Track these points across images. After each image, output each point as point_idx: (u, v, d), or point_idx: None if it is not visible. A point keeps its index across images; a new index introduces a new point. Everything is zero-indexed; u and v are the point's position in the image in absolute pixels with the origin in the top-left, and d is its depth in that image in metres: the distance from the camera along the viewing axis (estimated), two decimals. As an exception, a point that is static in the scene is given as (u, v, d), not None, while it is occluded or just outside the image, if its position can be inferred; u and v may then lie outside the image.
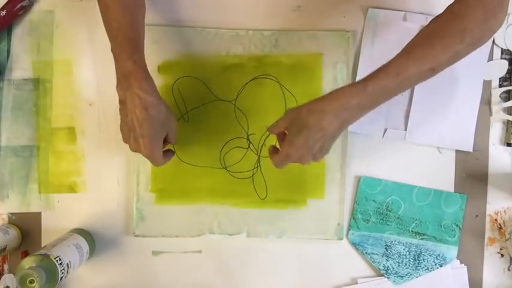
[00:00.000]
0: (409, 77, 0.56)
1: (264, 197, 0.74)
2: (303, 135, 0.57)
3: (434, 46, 0.56)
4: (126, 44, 0.59)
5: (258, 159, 0.74)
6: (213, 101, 0.74)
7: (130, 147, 0.62)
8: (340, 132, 0.59)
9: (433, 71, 0.57)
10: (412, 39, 0.59)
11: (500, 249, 0.76)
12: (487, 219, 0.75)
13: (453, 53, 0.56)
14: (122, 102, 0.60)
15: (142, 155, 0.61)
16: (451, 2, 0.58)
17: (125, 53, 0.59)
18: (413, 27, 0.74)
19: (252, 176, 0.74)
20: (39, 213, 0.75)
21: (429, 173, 0.75)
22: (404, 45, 0.60)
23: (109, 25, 0.60)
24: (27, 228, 0.75)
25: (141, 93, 0.58)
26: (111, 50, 0.60)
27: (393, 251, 0.74)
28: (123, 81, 0.59)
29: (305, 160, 0.59)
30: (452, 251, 0.74)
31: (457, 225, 0.74)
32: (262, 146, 0.75)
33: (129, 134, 0.60)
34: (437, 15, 0.59)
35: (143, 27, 0.63)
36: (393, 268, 0.74)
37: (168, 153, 0.66)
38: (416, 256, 0.75)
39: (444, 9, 0.58)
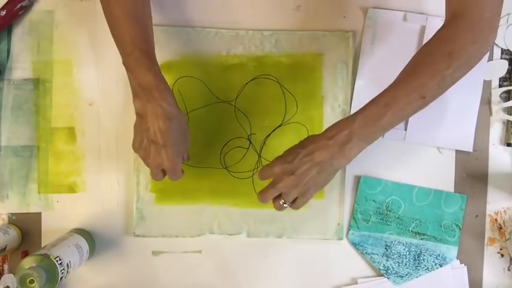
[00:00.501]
0: (400, 106, 0.55)
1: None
2: (295, 153, 0.58)
3: (421, 73, 0.55)
4: (143, 58, 0.59)
5: (259, 160, 0.74)
6: (214, 103, 0.74)
7: (149, 162, 0.61)
8: (332, 168, 0.58)
9: (423, 99, 0.55)
10: (404, 68, 0.58)
11: (500, 249, 0.76)
12: (487, 219, 0.75)
13: (440, 78, 0.55)
14: (140, 115, 0.60)
15: (165, 168, 0.61)
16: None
17: (143, 66, 0.58)
18: (413, 27, 0.74)
19: (252, 176, 0.74)
20: (39, 213, 0.75)
21: (429, 173, 0.75)
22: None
23: (122, 40, 0.59)
24: (27, 228, 0.75)
25: (164, 104, 0.58)
26: (124, 63, 0.60)
27: (393, 251, 0.74)
28: (142, 94, 0.59)
29: (292, 186, 0.58)
30: (452, 251, 0.74)
31: (457, 225, 0.74)
32: (262, 146, 0.75)
33: (149, 147, 0.60)
34: (425, 43, 0.58)
35: (153, 39, 0.63)
36: (393, 268, 0.74)
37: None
38: (416, 256, 0.75)
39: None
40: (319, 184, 0.60)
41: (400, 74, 0.58)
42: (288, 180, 0.58)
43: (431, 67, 0.55)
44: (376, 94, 0.57)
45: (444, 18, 0.59)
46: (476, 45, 0.55)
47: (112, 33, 0.61)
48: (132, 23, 0.59)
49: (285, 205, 0.61)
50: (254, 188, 0.74)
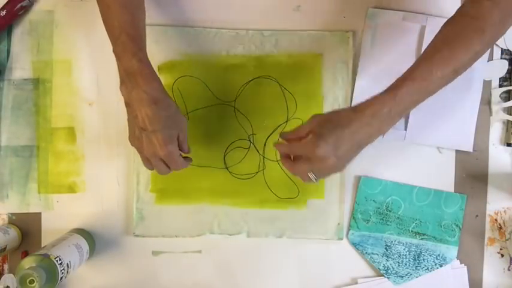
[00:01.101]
0: (434, 80, 0.57)
1: (264, 197, 0.74)
2: (334, 133, 0.56)
3: (455, 49, 0.57)
4: (130, 43, 0.58)
5: (263, 161, 0.74)
6: (214, 105, 0.74)
7: (144, 153, 0.60)
8: (368, 143, 0.58)
9: (455, 73, 0.58)
10: (429, 46, 0.59)
11: (500, 249, 0.76)
12: (487, 219, 0.75)
13: (473, 53, 0.57)
14: (128, 104, 0.60)
15: (160, 156, 0.59)
16: (453, 4, 0.58)
17: (129, 52, 0.58)
18: (413, 27, 0.74)
19: (253, 176, 0.74)
20: (39, 213, 0.75)
21: (429, 173, 0.75)
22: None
23: (110, 25, 0.60)
24: (27, 228, 0.75)
25: (148, 89, 0.57)
26: (113, 50, 0.60)
27: (393, 251, 0.74)
28: (127, 81, 0.59)
29: (327, 164, 0.56)
30: (452, 251, 0.74)
31: (457, 225, 0.74)
32: (264, 146, 0.74)
33: (141, 136, 0.59)
34: (449, 21, 0.59)
35: (144, 29, 0.62)
36: (393, 268, 0.74)
37: (186, 159, 0.65)
38: (416, 256, 0.75)
39: (455, 12, 0.59)
40: (352, 159, 0.59)
41: (427, 52, 0.59)
42: (329, 161, 0.56)
43: (465, 43, 0.57)
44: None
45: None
46: (505, 24, 0.58)
47: (103, 21, 0.61)
48: (121, 9, 0.59)
49: (314, 179, 0.59)
50: (267, 185, 0.74)
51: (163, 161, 0.60)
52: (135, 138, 0.61)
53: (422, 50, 0.60)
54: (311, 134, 0.57)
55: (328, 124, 0.57)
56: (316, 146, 0.56)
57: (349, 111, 0.58)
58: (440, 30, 0.60)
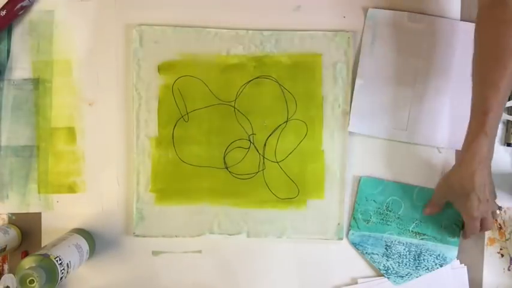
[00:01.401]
0: (505, 84, 0.58)
1: (264, 197, 0.74)
2: (471, 201, 0.63)
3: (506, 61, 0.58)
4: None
5: (263, 161, 0.74)
6: (214, 105, 0.74)
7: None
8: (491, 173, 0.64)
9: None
10: (477, 66, 0.61)
11: (500, 249, 0.76)
12: (487, 219, 0.75)
13: None
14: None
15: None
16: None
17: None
18: (414, 27, 0.74)
19: (253, 176, 0.74)
20: (39, 213, 0.75)
21: (429, 173, 0.75)
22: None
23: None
24: (27, 228, 0.75)
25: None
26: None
27: (393, 251, 0.74)
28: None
29: (487, 214, 0.67)
30: (452, 251, 0.74)
31: (457, 225, 0.74)
32: (264, 146, 0.74)
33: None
34: (482, 29, 0.61)
35: None
36: (393, 268, 0.74)
37: None
38: (417, 256, 0.75)
39: (484, 20, 0.61)
40: (492, 186, 0.67)
41: (478, 72, 0.61)
42: (485, 213, 0.67)
43: (509, 60, 0.58)
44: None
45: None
46: None
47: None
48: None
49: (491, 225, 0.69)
50: (267, 185, 0.74)
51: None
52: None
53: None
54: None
55: (460, 196, 0.65)
56: (475, 217, 0.66)
57: (462, 170, 0.63)
58: (478, 48, 0.61)
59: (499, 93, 0.59)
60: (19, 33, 0.75)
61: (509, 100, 0.74)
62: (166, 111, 0.74)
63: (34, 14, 0.75)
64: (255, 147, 0.75)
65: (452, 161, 0.75)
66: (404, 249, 0.75)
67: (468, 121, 0.62)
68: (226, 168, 0.74)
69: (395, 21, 0.74)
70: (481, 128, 0.60)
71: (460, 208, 0.67)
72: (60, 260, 0.63)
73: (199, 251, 0.75)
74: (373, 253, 0.75)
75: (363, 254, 0.75)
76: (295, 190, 0.74)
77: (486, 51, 0.60)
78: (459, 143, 0.74)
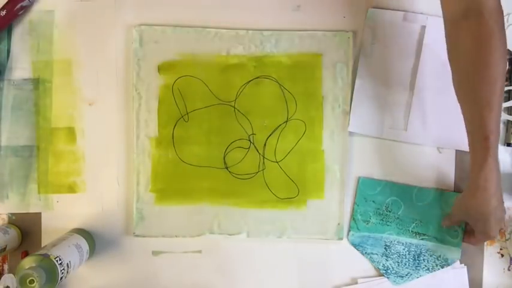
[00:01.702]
0: (497, 100, 0.57)
1: (264, 197, 0.74)
2: (489, 223, 0.64)
3: (490, 84, 0.56)
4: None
5: (263, 161, 0.74)
6: (214, 105, 0.74)
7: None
8: (499, 186, 0.63)
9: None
10: (462, 87, 0.60)
11: (500, 249, 0.76)
12: (487, 219, 0.75)
13: (504, 57, 0.56)
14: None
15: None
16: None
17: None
18: (413, 27, 0.74)
19: (253, 176, 0.74)
20: (39, 213, 0.75)
21: (429, 173, 0.75)
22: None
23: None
24: (27, 228, 0.75)
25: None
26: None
27: (392, 251, 0.74)
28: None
29: (497, 234, 0.67)
30: (455, 253, 0.74)
31: (459, 226, 0.74)
32: (264, 146, 0.74)
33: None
34: (459, 46, 0.58)
35: None
36: (393, 268, 0.74)
37: None
38: (416, 256, 0.74)
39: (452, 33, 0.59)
40: (504, 208, 0.66)
41: (462, 91, 0.60)
42: (497, 234, 0.67)
43: (495, 75, 0.56)
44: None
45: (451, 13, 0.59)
46: (503, 31, 0.56)
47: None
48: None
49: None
50: (267, 185, 0.74)
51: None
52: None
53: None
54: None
55: (480, 221, 0.65)
56: (491, 237, 0.66)
57: (479, 197, 0.62)
58: (460, 63, 0.59)
59: (494, 111, 0.57)
60: (19, 33, 0.75)
61: (509, 100, 0.74)
62: (166, 111, 0.74)
63: (34, 14, 0.75)
64: (255, 147, 0.75)
65: (452, 161, 0.75)
66: (403, 249, 0.75)
67: (467, 139, 0.61)
68: (226, 168, 0.74)
69: (395, 21, 0.74)
70: (486, 152, 0.58)
71: (477, 229, 0.67)
72: (60, 260, 0.63)
73: (199, 251, 0.75)
74: (372, 253, 0.75)
75: (363, 254, 0.75)
76: (295, 190, 0.74)
77: (469, 70, 0.57)
78: (459, 143, 0.74)
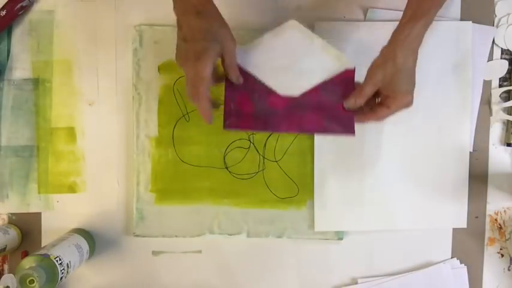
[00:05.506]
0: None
1: (264, 197, 0.74)
2: (401, 77, 0.59)
3: None
4: None
5: (263, 161, 0.74)
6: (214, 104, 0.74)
7: (188, 70, 0.57)
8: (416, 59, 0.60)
9: None
10: None
11: (500, 249, 0.76)
12: (487, 219, 0.75)
13: None
14: (177, 22, 0.57)
15: (190, 75, 0.56)
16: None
17: None
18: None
19: (253, 176, 0.74)
20: (39, 213, 0.75)
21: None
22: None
23: None
24: (27, 228, 0.75)
25: (193, 1, 0.56)
26: None
27: None
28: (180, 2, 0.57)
29: (410, 100, 0.61)
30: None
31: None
32: (264, 146, 0.74)
33: (185, 50, 0.57)
34: None
35: None
36: None
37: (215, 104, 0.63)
38: None
39: None
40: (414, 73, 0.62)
41: None
42: (408, 98, 0.61)
43: None
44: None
45: None
46: None
47: None
48: None
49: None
50: (267, 185, 0.74)
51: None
52: (181, 56, 0.58)
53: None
54: (385, 95, 0.60)
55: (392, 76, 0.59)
56: (407, 102, 0.60)
57: (393, 51, 0.59)
58: None
59: None
60: (19, 33, 0.75)
61: (509, 100, 0.75)
62: (166, 111, 0.74)
63: (34, 14, 0.75)
64: (254, 147, 0.74)
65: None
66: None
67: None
68: (226, 168, 0.74)
69: (395, 21, 0.74)
70: (419, 12, 0.58)
71: (387, 89, 0.60)
72: (60, 260, 0.63)
73: (199, 251, 0.75)
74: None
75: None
76: (295, 190, 0.74)
77: None
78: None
